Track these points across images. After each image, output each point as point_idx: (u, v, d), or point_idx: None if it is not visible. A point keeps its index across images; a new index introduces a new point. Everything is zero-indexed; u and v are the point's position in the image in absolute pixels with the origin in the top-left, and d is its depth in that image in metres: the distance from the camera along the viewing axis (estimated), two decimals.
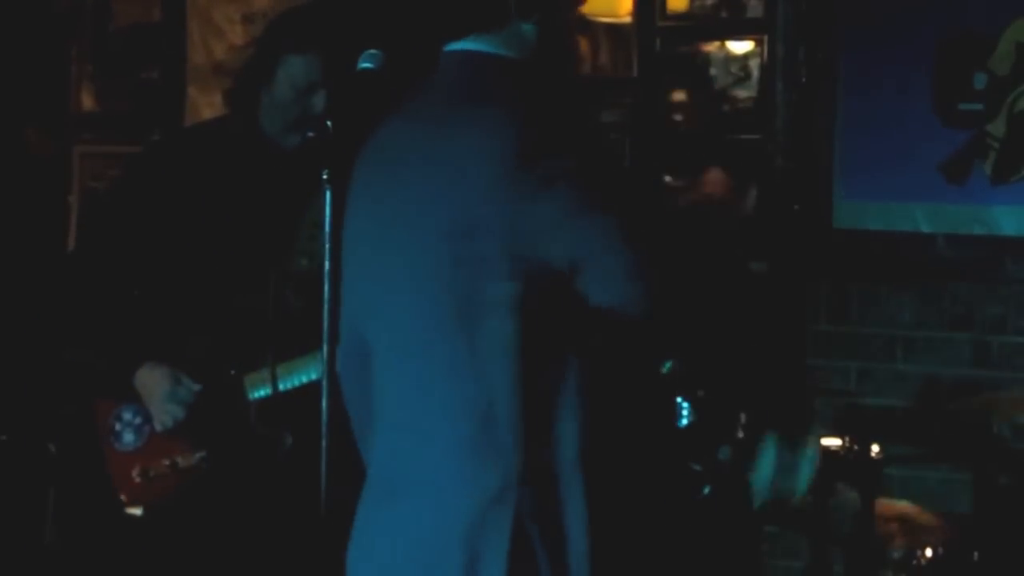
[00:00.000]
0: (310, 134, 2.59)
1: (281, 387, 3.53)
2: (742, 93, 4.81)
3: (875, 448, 3.89)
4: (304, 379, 3.55)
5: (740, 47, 4.81)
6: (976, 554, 3.80)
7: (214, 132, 3.81)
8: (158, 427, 3.66)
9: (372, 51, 2.64)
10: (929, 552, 3.84)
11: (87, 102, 5.60)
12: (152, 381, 3.65)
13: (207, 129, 3.96)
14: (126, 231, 3.71)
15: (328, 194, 2.50)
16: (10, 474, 4.65)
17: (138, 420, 3.73)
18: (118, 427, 3.74)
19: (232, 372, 3.66)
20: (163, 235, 3.66)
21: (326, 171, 2.51)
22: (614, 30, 4.96)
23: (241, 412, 3.65)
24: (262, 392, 3.64)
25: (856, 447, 3.86)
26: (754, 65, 4.80)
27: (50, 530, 4.44)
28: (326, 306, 2.40)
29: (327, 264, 2.39)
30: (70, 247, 5.35)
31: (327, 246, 2.46)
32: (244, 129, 3.66)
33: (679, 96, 4.90)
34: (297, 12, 3.76)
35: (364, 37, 3.63)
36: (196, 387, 3.63)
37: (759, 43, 4.78)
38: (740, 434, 2.37)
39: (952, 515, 4.03)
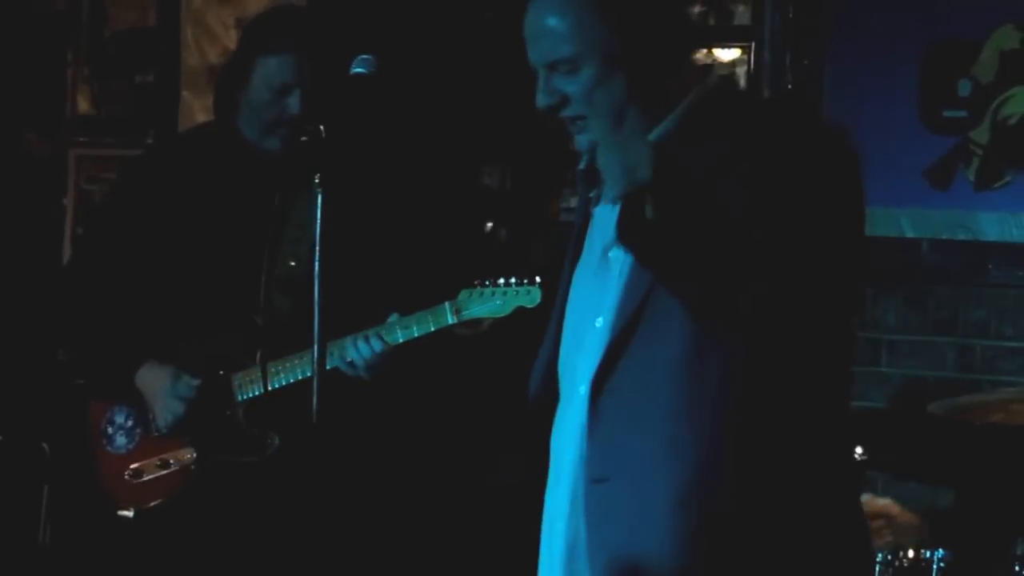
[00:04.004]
0: (303, 138, 2.61)
1: (271, 385, 3.57)
2: None
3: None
4: (292, 378, 3.59)
5: (727, 54, 4.84)
6: (952, 554, 3.84)
7: (201, 138, 3.85)
8: (160, 424, 3.69)
9: (365, 56, 2.67)
10: (912, 553, 3.88)
11: (83, 105, 5.61)
12: (153, 379, 3.68)
13: (195, 135, 4.00)
14: (122, 238, 3.74)
15: (320, 197, 2.54)
16: (5, 473, 4.67)
17: (129, 423, 3.76)
18: (110, 430, 3.77)
19: (221, 373, 3.69)
20: (156, 240, 3.69)
21: (319, 174, 2.55)
22: None
23: (230, 412, 3.69)
24: (251, 392, 3.68)
25: None
26: (741, 72, 4.82)
27: (44, 529, 4.45)
28: (316, 305, 2.43)
29: (316, 265, 2.43)
30: (67, 251, 5.39)
31: (317, 247, 2.50)
32: (225, 134, 3.69)
33: None
34: (269, 14, 3.78)
35: (338, 37, 3.69)
36: (195, 382, 3.67)
37: (746, 50, 4.81)
38: None
39: (932, 512, 4.07)
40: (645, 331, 2.45)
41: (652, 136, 2.48)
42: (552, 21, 2.44)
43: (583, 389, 2.52)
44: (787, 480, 2.43)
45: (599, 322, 2.52)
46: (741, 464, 2.42)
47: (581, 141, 2.50)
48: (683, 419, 2.42)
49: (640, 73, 2.45)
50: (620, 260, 2.50)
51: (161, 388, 3.67)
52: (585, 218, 2.64)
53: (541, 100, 2.48)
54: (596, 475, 2.50)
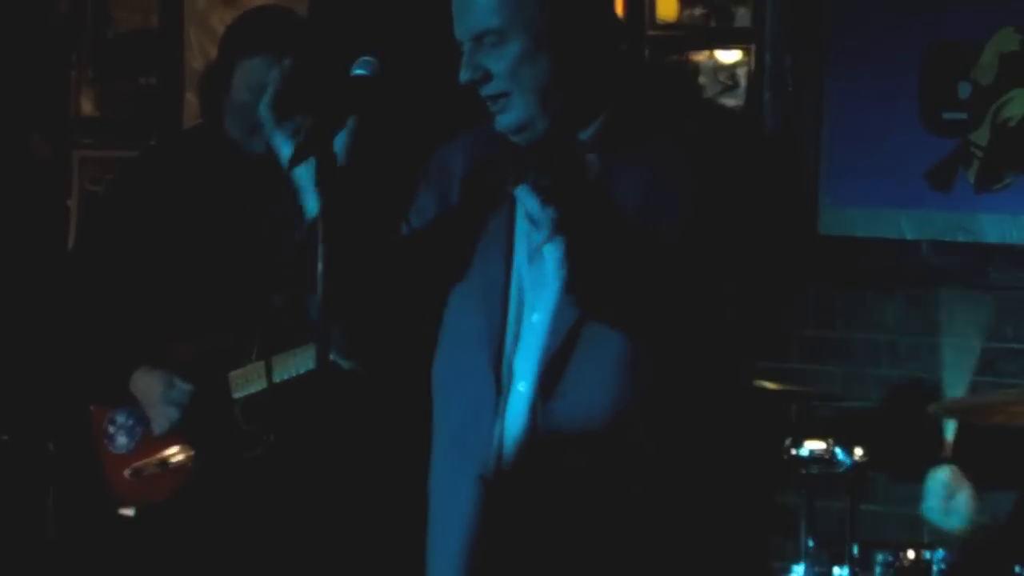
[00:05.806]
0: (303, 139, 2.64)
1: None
2: (730, 102, 4.84)
3: (859, 451, 3.96)
4: (287, 375, 3.61)
5: (728, 56, 4.86)
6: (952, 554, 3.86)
7: (193, 140, 3.87)
8: (156, 430, 3.71)
9: (367, 58, 2.69)
10: (912, 553, 3.89)
11: (86, 107, 5.63)
12: (147, 385, 3.70)
13: (188, 137, 4.03)
14: (116, 240, 3.75)
15: (319, 196, 2.56)
16: (11, 472, 4.69)
17: (130, 422, 3.77)
18: (111, 430, 3.79)
19: (217, 371, 3.71)
20: (150, 241, 3.71)
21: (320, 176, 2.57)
22: None
23: (227, 410, 3.71)
24: (247, 390, 3.70)
25: (841, 450, 3.93)
26: (742, 74, 4.84)
27: (50, 526, 4.48)
28: (319, 305, 2.45)
29: (320, 264, 2.44)
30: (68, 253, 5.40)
31: (318, 248, 2.52)
32: (213, 135, 3.72)
33: None
34: (247, 16, 3.78)
35: (318, 37, 3.69)
36: (189, 388, 3.69)
37: (747, 52, 4.82)
38: None
39: None
40: (588, 336, 2.42)
41: (585, 135, 2.46)
42: None
43: (523, 387, 2.48)
44: (715, 481, 2.46)
45: (535, 318, 2.48)
46: (689, 468, 2.44)
47: (502, 121, 2.46)
48: (631, 424, 2.41)
49: (568, 56, 2.42)
50: (556, 256, 2.42)
51: (155, 394, 3.68)
52: (511, 203, 2.52)
53: (464, 75, 2.44)
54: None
